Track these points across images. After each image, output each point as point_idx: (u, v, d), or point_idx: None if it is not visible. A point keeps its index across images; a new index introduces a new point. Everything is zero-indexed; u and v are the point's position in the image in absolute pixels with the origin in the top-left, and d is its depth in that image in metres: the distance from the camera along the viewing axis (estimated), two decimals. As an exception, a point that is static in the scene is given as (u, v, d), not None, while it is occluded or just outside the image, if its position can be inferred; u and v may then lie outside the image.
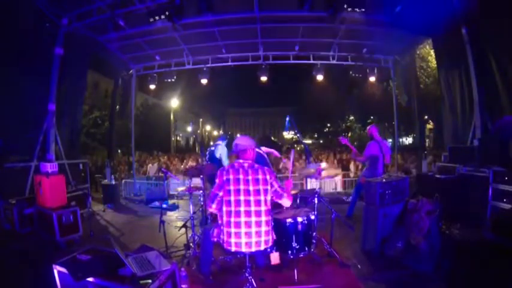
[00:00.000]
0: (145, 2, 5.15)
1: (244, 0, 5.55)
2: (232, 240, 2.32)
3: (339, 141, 5.11)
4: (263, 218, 2.35)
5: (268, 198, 2.40)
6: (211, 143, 6.51)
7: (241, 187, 2.35)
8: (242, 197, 2.33)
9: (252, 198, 2.34)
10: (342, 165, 9.43)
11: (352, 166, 9.29)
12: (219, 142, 4.63)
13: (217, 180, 2.42)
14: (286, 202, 2.52)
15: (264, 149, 3.95)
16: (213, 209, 2.42)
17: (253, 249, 2.33)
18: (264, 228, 2.34)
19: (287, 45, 7.26)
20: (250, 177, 2.38)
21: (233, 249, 2.33)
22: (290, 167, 3.10)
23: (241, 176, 2.38)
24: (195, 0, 5.12)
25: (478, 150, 4.61)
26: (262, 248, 2.36)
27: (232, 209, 2.33)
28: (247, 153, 2.51)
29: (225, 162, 4.29)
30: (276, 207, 2.91)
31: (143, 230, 4.88)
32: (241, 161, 2.48)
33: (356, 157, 5.00)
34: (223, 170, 2.44)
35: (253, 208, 2.32)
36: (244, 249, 2.32)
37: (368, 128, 4.98)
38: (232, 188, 2.35)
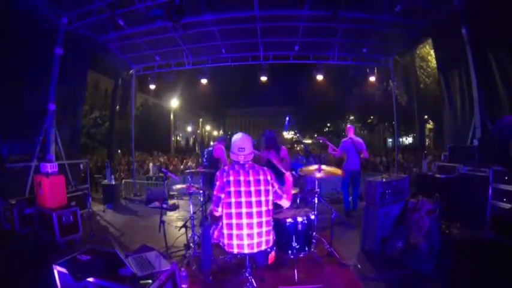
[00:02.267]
0: (145, 2, 5.15)
1: (244, -1, 5.54)
2: (234, 242, 2.30)
3: (317, 140, 5.54)
4: (264, 219, 2.33)
5: (270, 198, 2.38)
6: (211, 143, 6.52)
7: (242, 188, 2.31)
8: (243, 199, 2.30)
9: (253, 199, 2.31)
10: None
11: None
12: (217, 143, 4.67)
13: (217, 182, 2.36)
14: (285, 203, 2.51)
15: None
16: (219, 212, 2.35)
17: (255, 250, 2.32)
18: (265, 228, 2.34)
19: (287, 45, 7.24)
20: (251, 178, 2.35)
21: (235, 251, 2.32)
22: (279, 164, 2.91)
23: (241, 178, 2.34)
24: (195, -1, 5.12)
25: (478, 150, 4.60)
26: (264, 248, 2.36)
27: (233, 210, 2.30)
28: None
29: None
30: (276, 207, 2.91)
31: (143, 230, 4.87)
32: (241, 162, 2.45)
33: (332, 152, 5.52)
34: (223, 172, 2.39)
35: (254, 209, 2.30)
36: (246, 250, 2.30)
37: (347, 127, 5.70)
38: (232, 189, 2.31)
